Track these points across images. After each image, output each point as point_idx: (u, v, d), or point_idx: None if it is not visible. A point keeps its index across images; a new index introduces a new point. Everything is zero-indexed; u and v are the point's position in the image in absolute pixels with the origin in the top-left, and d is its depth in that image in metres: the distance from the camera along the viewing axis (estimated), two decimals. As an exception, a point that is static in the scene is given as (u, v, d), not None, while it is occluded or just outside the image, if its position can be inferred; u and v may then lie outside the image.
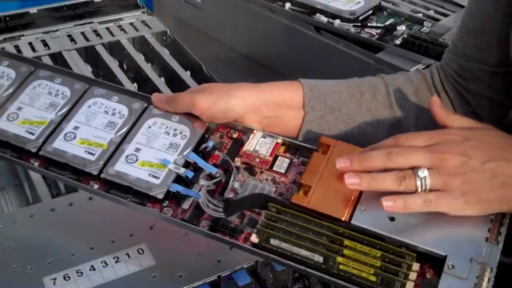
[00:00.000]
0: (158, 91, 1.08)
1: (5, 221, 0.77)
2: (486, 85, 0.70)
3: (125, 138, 0.66)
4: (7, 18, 1.26)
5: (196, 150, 0.65)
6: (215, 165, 0.65)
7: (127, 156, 0.64)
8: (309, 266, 0.57)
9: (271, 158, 0.65)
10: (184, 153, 0.64)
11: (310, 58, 1.37)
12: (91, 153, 0.64)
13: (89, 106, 0.68)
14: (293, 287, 0.78)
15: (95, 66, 1.20)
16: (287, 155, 0.66)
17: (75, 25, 1.27)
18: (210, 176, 0.64)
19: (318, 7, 1.33)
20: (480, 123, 0.61)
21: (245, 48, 1.53)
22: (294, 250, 0.57)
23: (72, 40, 1.22)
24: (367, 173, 0.58)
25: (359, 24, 1.30)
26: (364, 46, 1.28)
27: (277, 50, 1.45)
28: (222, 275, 0.71)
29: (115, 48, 1.23)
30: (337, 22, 1.31)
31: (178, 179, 0.63)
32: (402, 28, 1.30)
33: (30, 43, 1.19)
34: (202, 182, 0.63)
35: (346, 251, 0.56)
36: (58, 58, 1.18)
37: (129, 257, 0.72)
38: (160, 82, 1.11)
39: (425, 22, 1.32)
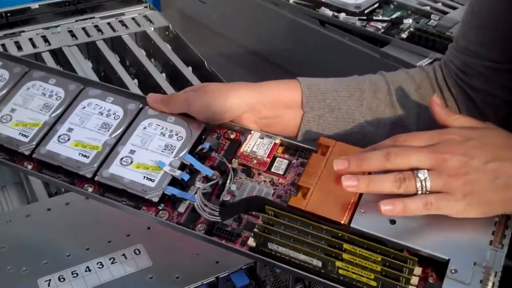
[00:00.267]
0: (159, 87, 1.07)
1: (1, 221, 0.76)
2: (490, 82, 0.68)
3: (119, 139, 0.64)
4: (8, 14, 1.25)
5: (192, 151, 0.64)
6: (212, 167, 0.63)
7: (121, 159, 0.63)
8: (308, 270, 0.55)
9: (269, 160, 0.64)
10: (180, 155, 0.63)
11: (315, 52, 1.35)
12: (85, 156, 0.63)
13: (84, 107, 0.67)
14: (294, 287, 0.77)
15: (96, 62, 1.19)
16: (286, 156, 0.65)
17: (76, 21, 1.26)
18: (206, 179, 0.62)
19: (323, 0, 1.31)
20: (482, 122, 0.59)
21: (249, 42, 1.51)
22: (292, 254, 0.55)
23: (73, 35, 1.21)
24: (365, 175, 0.56)
25: (365, 17, 1.28)
26: (370, 40, 1.26)
27: (281, 44, 1.44)
28: (220, 276, 0.70)
29: (116, 44, 1.22)
30: (342, 15, 1.29)
31: (174, 182, 0.61)
32: (408, 21, 1.28)
33: (30, 39, 1.18)
34: (198, 184, 0.61)
35: (345, 256, 0.54)
36: (58, 54, 1.16)
37: (125, 257, 0.71)
38: (161, 78, 1.10)
39: (432, 15, 1.30)
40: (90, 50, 1.20)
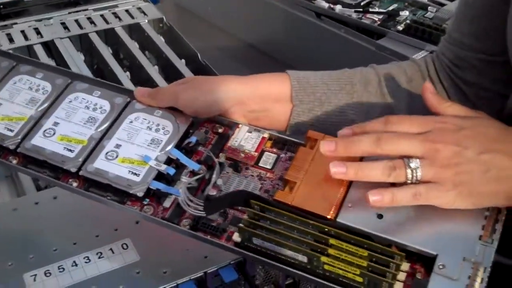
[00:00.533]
0: (151, 80, 1.06)
1: (-13, 215, 0.75)
2: (483, 75, 0.67)
3: (105, 134, 0.63)
4: (1, 6, 1.24)
5: (179, 146, 0.63)
6: (199, 161, 0.62)
7: (107, 153, 0.62)
8: (294, 266, 0.55)
9: (256, 154, 0.63)
10: (166, 149, 0.62)
11: (311, 45, 1.34)
12: (70, 150, 0.62)
13: (70, 101, 0.66)
14: (284, 282, 0.76)
15: (89, 55, 1.18)
16: (274, 150, 0.64)
17: (69, 13, 1.25)
18: (193, 173, 0.61)
19: (319, -8, 1.31)
20: (474, 111, 0.58)
21: (245, 35, 1.50)
22: (277, 250, 0.55)
23: (66, 28, 1.20)
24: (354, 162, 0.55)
25: (361, 9, 1.27)
26: (366, 32, 1.25)
27: (277, 36, 1.43)
28: (209, 271, 0.69)
29: (110, 36, 1.21)
30: (338, 7, 1.28)
31: (160, 176, 0.60)
32: (405, 13, 1.27)
33: (22, 31, 1.17)
34: (184, 179, 0.61)
35: (331, 251, 0.53)
36: (50, 46, 1.15)
37: (112, 252, 0.70)
38: (153, 71, 1.09)
39: (429, 7, 1.29)
40: (83, 43, 1.19)
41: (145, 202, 0.60)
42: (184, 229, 0.58)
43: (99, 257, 0.70)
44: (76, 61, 1.09)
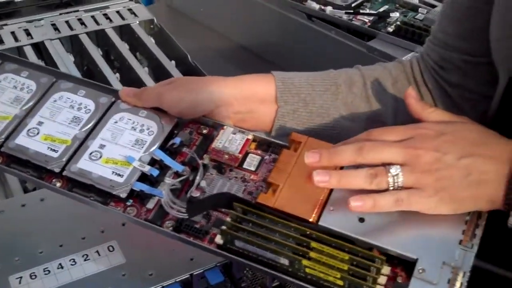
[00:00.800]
0: (141, 81, 1.06)
1: (-27, 218, 0.75)
2: (468, 76, 0.67)
3: (90, 134, 0.63)
4: (-9, 7, 1.24)
5: (163, 146, 0.63)
6: (183, 162, 0.62)
7: (90, 153, 0.62)
8: (275, 268, 0.55)
9: (240, 155, 0.63)
10: (150, 150, 0.62)
11: (301, 46, 1.34)
12: (54, 150, 0.62)
13: (55, 101, 0.66)
14: (272, 284, 0.76)
15: (79, 56, 1.18)
16: (259, 152, 0.64)
17: (60, 14, 1.25)
18: (177, 174, 0.61)
19: (310, -7, 1.31)
20: (457, 116, 0.58)
21: (237, 36, 1.50)
22: (259, 252, 0.55)
23: (56, 29, 1.20)
24: (337, 170, 0.55)
25: (352, 11, 1.27)
26: (357, 34, 1.25)
27: (268, 38, 1.43)
28: (195, 273, 0.69)
29: (100, 37, 1.21)
30: (329, 9, 1.28)
31: (143, 178, 0.60)
32: (395, 15, 1.27)
33: (12, 32, 1.17)
34: (168, 180, 0.60)
35: (312, 254, 0.53)
36: (41, 47, 1.15)
37: (99, 254, 0.70)
38: (143, 72, 1.09)
39: (420, 9, 1.29)
40: (74, 44, 1.19)
41: (128, 203, 0.60)
42: (167, 231, 0.58)
43: (85, 260, 0.70)
44: (66, 62, 1.09)
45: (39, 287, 0.66)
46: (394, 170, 0.53)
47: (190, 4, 1.60)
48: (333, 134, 0.68)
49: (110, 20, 1.24)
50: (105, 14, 1.25)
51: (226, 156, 0.63)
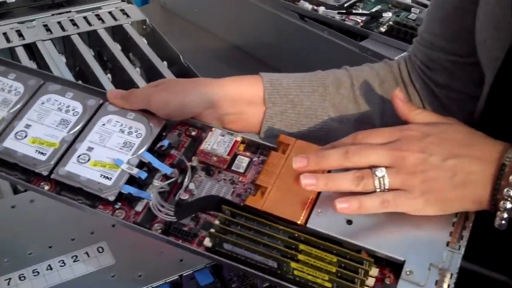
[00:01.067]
0: (133, 82, 1.06)
1: (-38, 219, 0.75)
2: (455, 77, 0.67)
3: (78, 136, 0.63)
4: (-17, 9, 1.24)
5: (152, 149, 0.63)
6: (172, 164, 0.62)
7: (79, 156, 0.61)
8: (264, 271, 0.55)
9: (229, 157, 0.63)
10: (139, 153, 0.62)
11: (294, 46, 1.34)
12: (41, 153, 0.62)
13: (43, 103, 0.66)
14: (262, 286, 0.76)
15: (72, 57, 1.17)
16: (247, 154, 0.64)
17: (52, 15, 1.24)
18: (166, 177, 0.61)
19: (303, -7, 1.30)
20: (444, 117, 0.58)
21: (230, 37, 1.50)
22: (248, 255, 0.55)
23: (48, 30, 1.19)
24: (324, 173, 0.56)
25: (344, 11, 1.27)
26: (350, 34, 1.25)
27: (261, 38, 1.43)
28: (184, 275, 0.69)
29: (93, 38, 1.21)
30: (321, 9, 1.28)
31: (132, 180, 0.60)
32: (388, 15, 1.26)
33: (4, 34, 1.16)
34: (156, 183, 0.60)
35: (301, 256, 0.53)
36: (33, 48, 1.15)
37: (88, 256, 0.70)
38: (135, 73, 1.08)
39: (412, 9, 1.29)
40: (66, 45, 1.19)
41: (117, 206, 0.60)
42: (156, 234, 0.58)
43: (74, 261, 0.69)
44: (58, 63, 1.09)
45: (28, 288, 0.66)
46: (379, 172, 0.53)
47: (184, 5, 1.60)
48: (322, 135, 0.68)
49: (103, 21, 1.23)
50: (97, 15, 1.24)
51: (215, 158, 0.63)
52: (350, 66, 0.72)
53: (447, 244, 0.54)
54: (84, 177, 0.60)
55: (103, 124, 0.64)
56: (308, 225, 0.55)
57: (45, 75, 0.69)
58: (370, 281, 0.53)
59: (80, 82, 0.97)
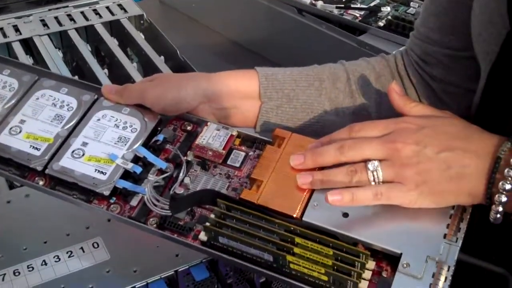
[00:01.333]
0: (130, 77, 1.05)
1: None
2: (451, 71, 0.67)
3: (72, 131, 0.63)
4: (-20, 4, 1.23)
5: (146, 143, 0.62)
6: (167, 159, 0.62)
7: (73, 151, 0.61)
8: (260, 265, 0.54)
9: (224, 152, 0.62)
10: (134, 147, 0.61)
11: (292, 41, 1.34)
12: (36, 148, 0.61)
13: (37, 98, 0.65)
14: (259, 281, 0.76)
15: (69, 52, 1.17)
16: (243, 148, 0.63)
17: (49, 9, 1.24)
18: (161, 171, 0.61)
19: (301, -12, 1.30)
20: (440, 111, 0.57)
21: (228, 31, 1.50)
22: (243, 249, 0.54)
23: (45, 25, 1.19)
24: (320, 170, 0.55)
25: (342, 5, 1.27)
26: (348, 28, 1.24)
27: (259, 32, 1.42)
28: (180, 270, 0.69)
29: (90, 33, 1.20)
30: (319, 3, 1.28)
31: (126, 175, 0.60)
32: (386, 9, 1.26)
33: (1, 29, 1.16)
34: (151, 177, 0.60)
35: (297, 250, 0.53)
36: (30, 43, 1.14)
37: (83, 251, 0.70)
38: (132, 68, 1.08)
39: (411, 3, 1.29)
40: (63, 40, 1.18)
41: (112, 201, 0.59)
42: (151, 228, 0.58)
43: (69, 256, 0.69)
44: (55, 59, 1.08)
45: (22, 284, 0.66)
46: (371, 165, 0.53)
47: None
48: (317, 129, 0.68)
49: (100, 16, 1.23)
50: (94, 10, 1.24)
51: (210, 153, 0.62)
52: (348, 61, 0.72)
53: (444, 236, 0.53)
54: (79, 172, 0.60)
55: (98, 119, 0.64)
56: (304, 218, 0.55)
57: (40, 71, 0.69)
58: (367, 274, 0.53)
59: (76, 77, 0.96)
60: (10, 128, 0.63)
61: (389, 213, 0.55)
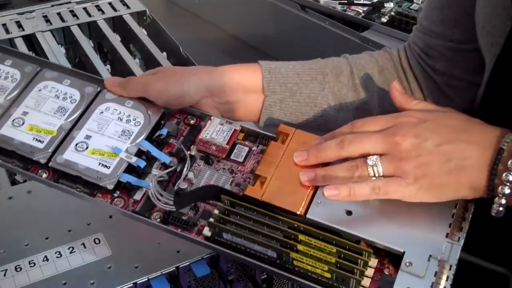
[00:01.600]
0: (132, 73, 1.05)
1: (-40, 210, 0.74)
2: (454, 64, 0.67)
3: (75, 124, 0.62)
4: (-17, 0, 1.23)
5: (150, 137, 0.62)
6: (170, 153, 0.61)
7: (76, 144, 0.61)
8: (264, 261, 0.54)
9: (228, 146, 0.62)
10: (137, 141, 0.61)
11: (295, 37, 1.33)
12: (39, 141, 0.61)
13: (40, 90, 0.65)
14: (261, 277, 0.76)
15: (72, 48, 1.17)
16: (246, 143, 0.63)
17: (52, 6, 1.24)
18: (164, 166, 0.61)
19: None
20: (441, 107, 0.57)
21: (231, 27, 1.49)
22: (247, 245, 0.54)
23: (48, 21, 1.19)
24: (322, 167, 0.55)
25: (346, 1, 1.27)
26: (351, 25, 1.24)
27: (262, 28, 1.42)
28: (181, 266, 0.68)
29: (93, 29, 1.20)
30: (322, -1, 1.27)
31: (130, 169, 0.60)
32: (390, 5, 1.26)
33: (4, 25, 1.16)
34: (155, 172, 0.60)
35: (300, 247, 0.53)
36: (32, 39, 1.14)
37: (84, 247, 0.69)
38: (134, 64, 1.08)
39: (415, -1, 1.28)
40: (66, 36, 1.18)
41: (115, 195, 0.59)
42: (155, 223, 0.57)
43: (71, 252, 0.69)
44: (57, 55, 1.08)
45: (24, 279, 0.65)
46: (370, 160, 0.53)
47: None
48: (321, 123, 0.67)
49: (102, 12, 1.23)
50: (97, 6, 1.24)
51: (214, 147, 0.62)
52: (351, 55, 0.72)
53: (447, 235, 0.53)
54: (83, 166, 0.59)
55: (101, 112, 0.63)
56: (307, 216, 0.55)
57: (42, 62, 0.68)
58: (369, 272, 0.52)
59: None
60: (13, 120, 0.62)
61: (392, 211, 0.54)
